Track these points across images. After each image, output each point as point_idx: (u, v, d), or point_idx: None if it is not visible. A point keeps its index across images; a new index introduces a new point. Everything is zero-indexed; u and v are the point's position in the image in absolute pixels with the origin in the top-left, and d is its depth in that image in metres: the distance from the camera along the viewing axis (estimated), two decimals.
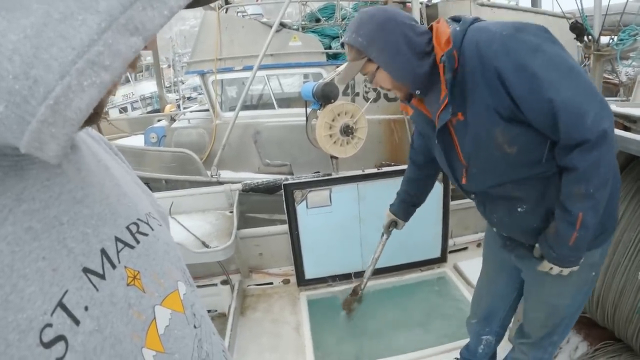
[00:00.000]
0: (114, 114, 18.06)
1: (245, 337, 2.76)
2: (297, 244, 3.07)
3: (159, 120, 7.65)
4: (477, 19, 1.40)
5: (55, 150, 0.38)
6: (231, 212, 3.06)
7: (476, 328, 2.09)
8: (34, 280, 0.41)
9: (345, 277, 3.19)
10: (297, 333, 2.76)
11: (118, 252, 0.53)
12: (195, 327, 0.63)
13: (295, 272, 3.16)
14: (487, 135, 1.39)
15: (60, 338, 0.41)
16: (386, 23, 1.44)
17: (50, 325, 0.41)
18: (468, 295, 2.86)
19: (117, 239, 0.54)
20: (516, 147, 1.37)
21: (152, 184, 4.95)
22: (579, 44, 4.60)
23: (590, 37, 4.21)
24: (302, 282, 3.19)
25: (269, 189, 3.23)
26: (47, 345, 0.40)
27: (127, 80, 22.83)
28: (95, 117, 0.44)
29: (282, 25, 5.33)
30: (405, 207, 2.19)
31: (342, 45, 1.54)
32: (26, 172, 0.46)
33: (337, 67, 4.27)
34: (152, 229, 0.62)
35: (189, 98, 17.94)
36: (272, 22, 5.05)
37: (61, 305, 0.43)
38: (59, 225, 0.47)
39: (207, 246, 2.62)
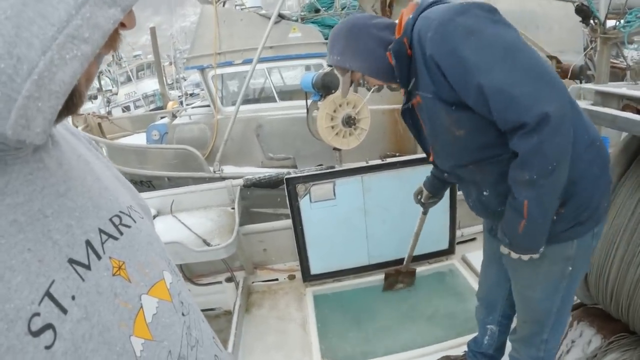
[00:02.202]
0: (117, 113, 18.08)
1: (250, 335, 2.73)
2: (302, 239, 3.02)
3: (161, 118, 7.62)
4: (432, 4, 1.39)
5: (41, 126, 0.40)
6: (233, 208, 3.01)
7: (481, 315, 2.07)
8: (20, 271, 0.42)
9: (352, 272, 3.15)
10: (303, 330, 2.72)
11: (102, 243, 0.54)
12: (183, 314, 0.64)
13: (300, 267, 3.10)
14: (437, 118, 1.43)
15: (49, 327, 0.42)
16: (350, 32, 1.54)
17: (38, 314, 0.41)
18: (477, 287, 2.79)
19: (101, 231, 0.55)
20: (464, 130, 1.38)
21: (155, 182, 4.93)
22: (584, 27, 4.50)
23: (596, 20, 4.12)
24: (308, 277, 3.14)
25: (271, 184, 3.17)
26: (36, 333, 0.41)
27: (129, 79, 22.85)
28: (73, 107, 0.46)
29: (281, 16, 5.28)
30: (432, 179, 2.18)
31: None
32: (9, 167, 0.46)
33: None
34: (135, 221, 0.63)
35: (191, 94, 17.96)
36: (270, 14, 4.99)
37: (48, 294, 0.43)
38: (43, 218, 0.47)
39: (208, 244, 2.57)
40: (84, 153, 0.64)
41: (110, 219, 0.58)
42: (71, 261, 0.47)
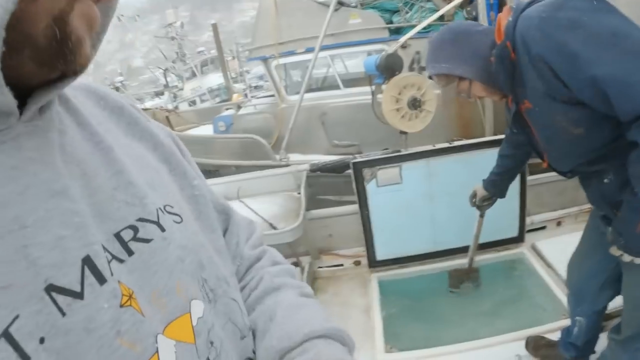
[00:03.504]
0: (183, 107, 18.79)
1: None
2: (368, 224, 3.00)
3: (226, 110, 7.82)
4: (530, 3, 1.33)
5: None
6: (299, 193, 3.03)
7: (570, 304, 1.97)
8: None
9: (417, 258, 3.09)
10: (367, 316, 2.70)
11: (109, 261, 0.42)
12: None
13: (366, 253, 3.09)
14: (551, 120, 1.39)
15: None
16: (457, 38, 1.55)
17: None
18: (548, 278, 2.65)
19: (104, 248, 0.43)
20: (582, 127, 1.32)
21: (222, 171, 5.07)
22: None
23: None
24: (374, 263, 3.11)
25: (337, 168, 3.17)
26: None
27: (194, 74, 23.67)
28: (69, 53, 0.39)
29: (340, 3, 5.25)
30: (494, 178, 2.18)
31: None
32: None
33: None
34: (163, 229, 0.50)
35: (255, 87, 18.31)
36: (329, 2, 4.97)
37: (6, 335, 0.33)
38: (18, 229, 0.37)
39: (274, 228, 2.61)
40: (108, 139, 0.52)
41: (118, 233, 0.46)
42: (51, 288, 0.37)
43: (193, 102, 21.00)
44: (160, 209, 0.52)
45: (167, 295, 0.47)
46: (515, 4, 1.41)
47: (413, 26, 4.35)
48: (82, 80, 0.53)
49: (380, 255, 3.10)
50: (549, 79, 1.27)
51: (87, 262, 0.40)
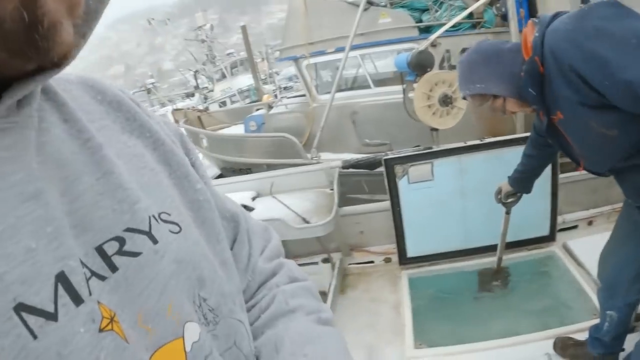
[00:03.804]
0: (213, 108, 19.06)
1: (344, 315, 2.78)
2: (399, 221, 3.02)
3: (257, 110, 7.93)
4: (555, 16, 1.38)
5: None
6: (331, 189, 3.08)
7: (601, 298, 1.95)
8: None
9: (448, 256, 3.10)
10: (396, 312, 2.72)
11: (87, 279, 0.37)
12: None
13: (397, 249, 3.11)
14: (585, 127, 1.41)
15: None
16: (489, 58, 1.60)
17: None
18: (579, 277, 2.62)
19: (82, 264, 0.38)
20: (616, 129, 1.35)
21: (254, 169, 5.17)
22: None
23: None
24: (404, 260, 3.13)
25: (369, 165, 3.21)
26: None
27: (224, 76, 23.98)
28: (41, 39, 0.34)
29: (370, 2, 5.28)
30: (519, 175, 2.21)
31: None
32: None
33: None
34: (155, 241, 0.44)
35: (284, 88, 18.44)
36: (358, 2, 5.01)
37: None
38: None
39: (307, 222, 2.66)
40: (98, 136, 0.46)
41: (100, 246, 0.40)
42: (21, 308, 0.32)
43: (223, 103, 21.25)
44: (154, 216, 0.46)
45: (156, 318, 0.41)
46: (538, 18, 1.44)
47: (442, 24, 4.35)
48: (82, 73, 0.51)
49: (411, 252, 3.11)
50: (581, 88, 1.30)
51: (61, 279, 0.35)
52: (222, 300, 0.50)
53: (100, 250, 0.40)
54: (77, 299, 0.35)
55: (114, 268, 0.40)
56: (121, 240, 0.41)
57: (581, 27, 1.26)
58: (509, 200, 2.33)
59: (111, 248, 0.40)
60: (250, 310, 0.62)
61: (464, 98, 1.76)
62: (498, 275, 2.90)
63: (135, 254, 0.42)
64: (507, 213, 2.51)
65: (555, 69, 1.34)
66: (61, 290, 0.34)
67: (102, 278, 0.38)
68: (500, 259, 2.79)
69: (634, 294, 1.83)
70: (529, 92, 1.49)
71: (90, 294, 0.36)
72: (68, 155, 0.42)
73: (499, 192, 2.37)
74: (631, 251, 1.74)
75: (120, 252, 0.41)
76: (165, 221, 0.47)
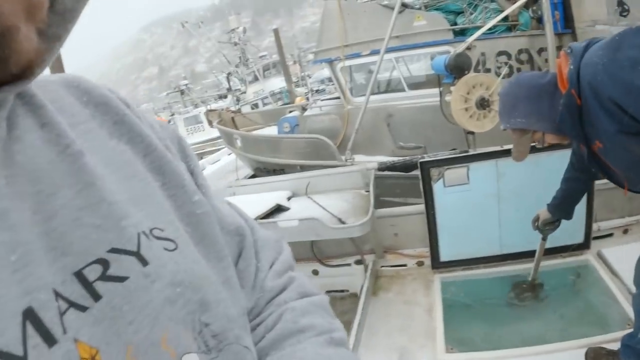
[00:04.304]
0: (245, 110, 19.31)
1: (375, 317, 2.78)
2: (433, 225, 3.01)
3: (290, 112, 8.01)
4: (587, 46, 1.41)
5: None
6: (367, 191, 3.09)
7: (637, 304, 1.90)
8: None
9: (482, 261, 3.06)
10: (429, 316, 2.72)
11: (62, 314, 0.32)
12: None
13: (430, 253, 3.10)
14: (627, 153, 1.44)
15: None
16: (531, 95, 1.63)
17: None
18: (613, 286, 2.56)
19: (57, 294, 0.33)
20: None
21: (287, 170, 5.23)
22: None
23: None
24: (437, 264, 3.12)
25: (405, 167, 3.21)
26: None
27: (256, 78, 24.25)
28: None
29: (404, 5, 5.28)
30: (560, 201, 2.25)
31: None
32: None
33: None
34: (145, 263, 0.39)
35: (317, 91, 18.52)
36: (393, 4, 5.01)
37: None
38: None
39: (343, 222, 2.68)
40: (79, 142, 0.41)
41: (80, 272, 0.35)
42: None
43: (255, 105, 21.51)
44: (144, 233, 0.40)
45: (148, 351, 0.36)
46: (570, 49, 1.46)
47: (477, 27, 4.32)
48: (65, 73, 0.46)
49: (444, 256, 3.10)
50: (622, 118, 1.32)
51: (30, 316, 0.30)
52: (228, 325, 0.45)
53: (79, 275, 0.34)
54: (50, 339, 0.30)
55: (96, 296, 0.34)
56: (104, 263, 0.36)
57: (616, 59, 1.27)
58: (547, 227, 2.34)
59: (93, 273, 0.35)
60: (255, 330, 0.55)
61: (504, 129, 1.80)
62: (531, 290, 2.84)
63: (121, 279, 0.36)
64: (544, 239, 2.51)
65: (594, 101, 1.37)
66: (30, 330, 0.30)
67: (82, 309, 0.33)
68: (535, 273, 2.76)
69: None
70: (568, 126, 1.52)
71: (64, 331, 0.31)
72: (44, 165, 0.37)
73: (536, 219, 2.39)
74: None
75: (104, 277, 0.35)
76: (158, 237, 0.41)
